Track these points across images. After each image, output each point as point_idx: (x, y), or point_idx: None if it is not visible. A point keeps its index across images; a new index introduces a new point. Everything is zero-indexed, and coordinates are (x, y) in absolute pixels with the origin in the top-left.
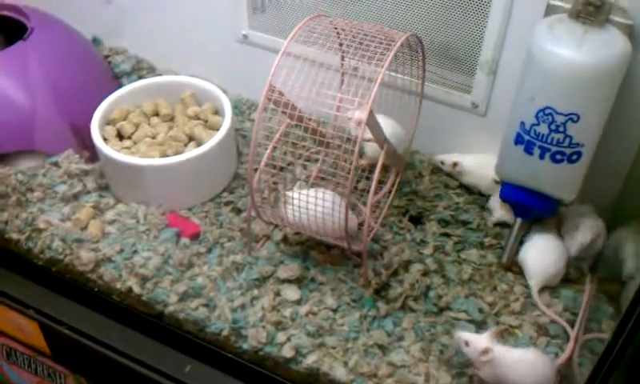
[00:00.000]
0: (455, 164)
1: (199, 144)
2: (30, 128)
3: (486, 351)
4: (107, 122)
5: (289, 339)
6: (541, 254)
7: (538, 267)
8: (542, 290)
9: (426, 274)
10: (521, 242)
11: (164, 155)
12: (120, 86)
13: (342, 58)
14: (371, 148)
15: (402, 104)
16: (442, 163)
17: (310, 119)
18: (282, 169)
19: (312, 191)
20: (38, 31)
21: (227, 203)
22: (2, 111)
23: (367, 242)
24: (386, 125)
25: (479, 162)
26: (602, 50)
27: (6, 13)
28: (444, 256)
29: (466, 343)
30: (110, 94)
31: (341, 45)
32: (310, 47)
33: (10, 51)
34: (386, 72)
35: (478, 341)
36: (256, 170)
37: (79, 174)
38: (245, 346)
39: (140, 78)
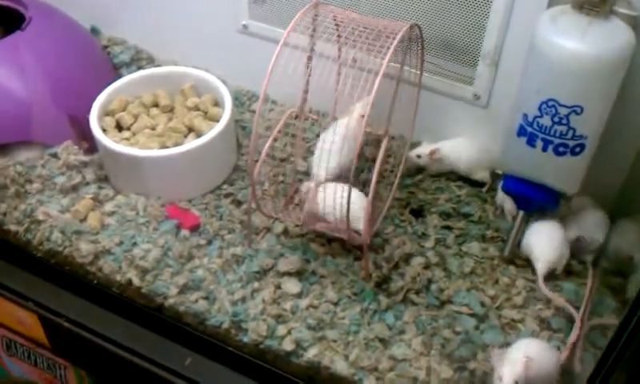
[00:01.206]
0: (433, 152)
1: (199, 135)
2: (29, 119)
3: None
4: (106, 112)
5: (289, 332)
6: (546, 238)
7: (544, 247)
8: (545, 280)
9: (427, 267)
10: (523, 234)
11: (163, 146)
12: (119, 76)
13: (340, 49)
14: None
15: (400, 94)
16: (419, 157)
17: (310, 111)
18: (282, 160)
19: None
20: (36, 21)
21: (227, 195)
22: (0, 102)
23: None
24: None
25: (456, 145)
26: (606, 41)
27: (4, 2)
28: (445, 249)
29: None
30: (109, 84)
31: (339, 35)
32: (309, 37)
33: (7, 41)
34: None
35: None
36: (256, 161)
37: (78, 165)
38: (245, 340)
39: (139, 68)
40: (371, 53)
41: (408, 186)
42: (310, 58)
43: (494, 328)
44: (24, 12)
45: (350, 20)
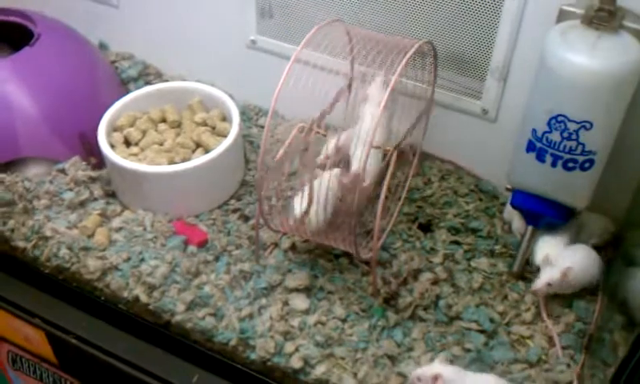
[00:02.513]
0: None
1: (207, 151)
2: (37, 135)
3: (436, 378)
4: (114, 128)
5: (297, 349)
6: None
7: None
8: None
9: (435, 282)
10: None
11: (171, 162)
12: (127, 91)
13: (352, 64)
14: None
15: (411, 109)
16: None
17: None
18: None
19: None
20: (45, 37)
21: (235, 210)
22: (9, 118)
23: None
24: None
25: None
26: (615, 56)
27: (12, 18)
28: (454, 264)
29: (418, 379)
30: (117, 100)
31: (351, 50)
32: (322, 53)
33: (16, 57)
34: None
35: (427, 371)
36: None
37: (86, 181)
38: (253, 357)
39: (147, 83)
40: (382, 69)
41: (416, 200)
42: (350, 82)
43: (503, 344)
44: (33, 28)
45: (362, 37)
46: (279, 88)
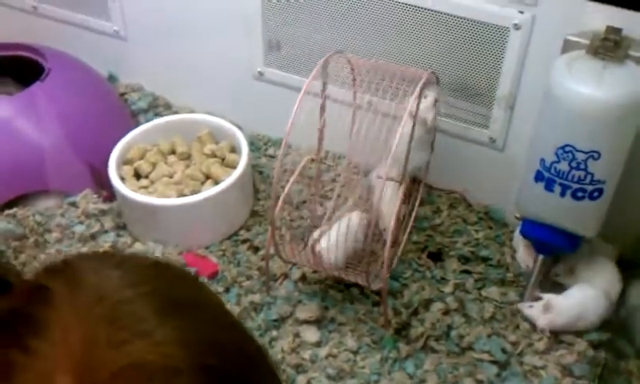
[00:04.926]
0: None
1: (216, 182)
2: (48, 169)
3: None
4: (124, 161)
5: (309, 383)
6: None
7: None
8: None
9: (447, 312)
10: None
11: (181, 194)
12: (137, 123)
13: (355, 95)
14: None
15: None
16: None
17: (326, 157)
18: (300, 204)
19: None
20: (55, 71)
21: (244, 241)
22: (21, 152)
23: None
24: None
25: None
26: (621, 86)
27: (22, 53)
28: (465, 294)
29: None
30: (127, 132)
31: (354, 81)
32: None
33: (27, 93)
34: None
35: None
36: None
37: (97, 213)
38: None
39: (156, 115)
40: (387, 98)
41: (425, 229)
42: (355, 110)
43: (516, 375)
44: (43, 62)
45: (367, 67)
46: (291, 122)
